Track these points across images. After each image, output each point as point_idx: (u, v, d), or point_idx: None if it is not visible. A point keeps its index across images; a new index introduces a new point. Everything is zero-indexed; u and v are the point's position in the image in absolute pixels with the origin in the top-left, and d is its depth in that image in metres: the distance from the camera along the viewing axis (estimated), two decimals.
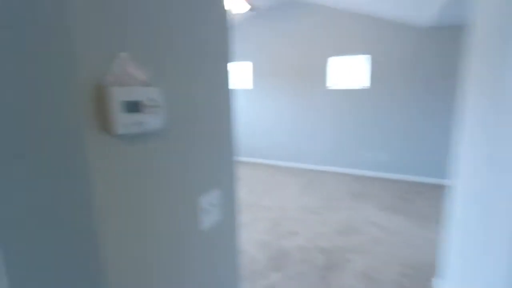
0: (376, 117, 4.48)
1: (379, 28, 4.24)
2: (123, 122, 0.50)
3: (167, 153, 0.64)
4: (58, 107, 0.45)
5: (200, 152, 0.76)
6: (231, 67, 0.87)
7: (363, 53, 4.40)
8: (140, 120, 0.54)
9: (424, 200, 3.63)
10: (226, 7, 0.81)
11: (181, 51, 0.65)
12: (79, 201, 0.48)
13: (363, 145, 4.64)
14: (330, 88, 4.71)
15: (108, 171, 0.50)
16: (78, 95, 0.45)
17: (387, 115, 4.41)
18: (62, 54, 0.43)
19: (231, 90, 0.88)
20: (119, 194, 0.53)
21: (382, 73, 4.33)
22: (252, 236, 2.75)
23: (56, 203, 0.49)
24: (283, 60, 4.98)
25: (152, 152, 0.60)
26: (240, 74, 5.49)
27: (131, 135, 0.54)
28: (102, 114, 0.48)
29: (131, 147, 0.55)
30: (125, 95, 0.51)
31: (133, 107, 0.52)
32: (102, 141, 0.49)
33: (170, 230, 0.67)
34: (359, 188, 4.10)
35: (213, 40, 0.78)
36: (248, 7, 2.89)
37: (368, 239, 2.70)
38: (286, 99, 5.08)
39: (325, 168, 4.98)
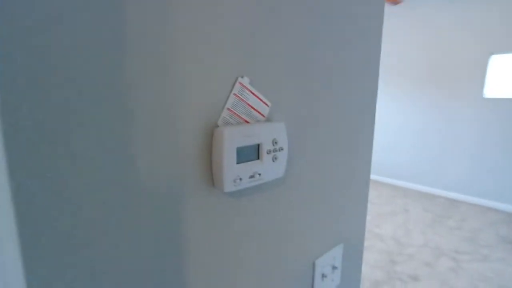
0: None
1: None
2: (237, 175, 0.36)
3: (282, 207, 0.48)
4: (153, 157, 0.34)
5: (325, 201, 0.57)
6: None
7: None
8: (259, 170, 0.39)
9: None
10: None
11: (312, 69, 0.48)
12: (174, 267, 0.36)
13: None
14: (487, 96, 3.62)
15: (210, 234, 0.38)
16: (179, 140, 0.33)
17: None
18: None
19: (374, 115, 0.65)
20: (220, 260, 0.40)
21: None
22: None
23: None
24: (418, 59, 4.18)
25: (265, 206, 0.45)
26: None
27: (244, 189, 0.40)
28: (209, 165, 0.36)
29: (240, 203, 0.41)
30: (241, 138, 0.36)
31: (251, 153, 0.38)
32: (206, 199, 0.36)
33: None
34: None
35: (358, 50, 0.56)
36: None
37: None
38: (420, 107, 4.25)
39: (463, 198, 3.90)
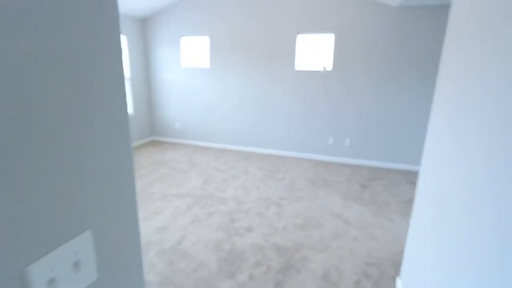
0: (340, 101, 4.32)
1: (346, 2, 3.97)
2: None
3: None
4: None
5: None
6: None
7: (328, 32, 4.14)
8: None
9: (388, 187, 3.60)
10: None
11: None
12: None
13: (327, 129, 4.49)
14: (297, 69, 4.41)
15: None
16: None
17: (351, 99, 4.27)
18: None
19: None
20: None
21: (345, 54, 4.12)
22: (204, 235, 2.46)
23: None
24: (245, 35, 4.54)
25: None
26: (196, 51, 4.95)
27: None
28: None
29: None
30: None
31: None
32: None
33: None
34: (322, 174, 3.97)
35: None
36: None
37: (329, 233, 2.55)
38: (247, 79, 4.70)
39: (288, 154, 4.79)
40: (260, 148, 4.95)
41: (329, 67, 4.26)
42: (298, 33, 4.26)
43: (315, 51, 4.34)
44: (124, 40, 4.74)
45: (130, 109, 5.08)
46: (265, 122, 4.80)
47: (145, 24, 5.09)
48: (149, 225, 2.60)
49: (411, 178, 3.95)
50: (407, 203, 3.18)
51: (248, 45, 4.55)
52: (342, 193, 3.39)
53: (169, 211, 2.87)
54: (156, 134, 5.64)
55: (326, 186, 3.59)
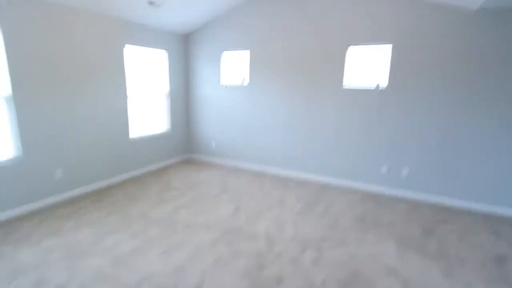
0: (397, 123, 3.66)
1: (407, 8, 3.39)
2: None
3: None
4: None
5: None
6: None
7: (385, 42, 3.57)
8: None
9: (462, 236, 2.83)
10: None
11: None
12: None
13: (380, 156, 3.84)
14: (345, 87, 3.89)
15: None
16: None
17: (410, 120, 3.59)
18: None
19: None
20: None
21: (405, 68, 3.50)
22: (226, 283, 2.06)
23: None
24: (288, 48, 4.19)
25: None
26: (236, 67, 4.74)
27: None
28: None
29: None
30: None
31: None
32: None
33: None
34: (373, 210, 3.33)
35: None
36: None
37: None
38: (289, 97, 4.30)
39: (332, 181, 4.22)
40: (300, 172, 4.46)
41: (384, 84, 3.66)
42: (349, 45, 3.77)
43: (367, 66, 3.79)
44: (165, 55, 4.73)
45: (167, 125, 5.02)
46: (307, 144, 4.32)
47: (187, 39, 5.06)
48: (165, 262, 2.29)
49: (495, 225, 3.09)
50: (495, 263, 2.40)
51: (291, 59, 4.18)
52: (399, 239, 2.73)
53: (191, 246, 2.54)
54: (193, 151, 5.50)
55: (378, 227, 2.95)
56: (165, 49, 4.68)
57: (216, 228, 2.85)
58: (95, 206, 3.30)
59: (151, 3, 3.57)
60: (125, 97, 4.08)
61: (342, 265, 2.31)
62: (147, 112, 4.60)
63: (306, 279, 2.13)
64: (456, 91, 3.30)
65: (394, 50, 3.53)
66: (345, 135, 4.00)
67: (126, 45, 3.99)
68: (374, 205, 3.50)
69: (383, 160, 3.82)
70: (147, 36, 4.30)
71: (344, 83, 3.89)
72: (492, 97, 3.15)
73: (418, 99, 3.50)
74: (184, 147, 5.42)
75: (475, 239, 2.78)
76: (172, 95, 4.97)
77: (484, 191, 3.34)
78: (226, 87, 4.81)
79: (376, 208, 3.43)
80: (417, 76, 3.46)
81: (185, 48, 5.09)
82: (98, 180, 3.85)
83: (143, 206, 3.33)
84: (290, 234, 2.78)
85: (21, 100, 2.93)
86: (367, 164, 3.94)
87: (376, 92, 3.70)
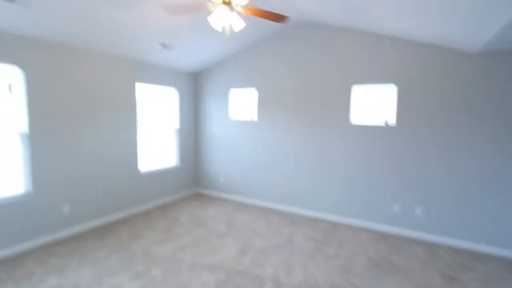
0: (407, 160, 3.59)
1: (409, 51, 3.49)
2: None
3: None
4: None
5: None
6: None
7: (389, 82, 3.63)
8: None
9: (489, 286, 2.61)
10: None
11: None
12: None
13: (391, 194, 3.72)
14: (353, 123, 3.91)
15: None
16: None
17: (421, 158, 3.51)
18: None
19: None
20: None
21: (412, 107, 3.51)
22: None
23: None
24: (294, 87, 4.30)
25: None
26: (243, 103, 4.86)
27: None
28: None
29: None
30: None
31: None
32: None
33: None
34: (386, 253, 3.15)
35: None
36: (243, 24, 2.28)
37: None
38: (297, 133, 4.33)
39: (343, 220, 4.06)
40: (309, 210, 4.33)
41: (392, 121, 3.66)
42: (353, 84, 3.86)
43: (375, 104, 3.83)
44: (175, 93, 4.92)
45: (176, 160, 5.07)
46: (316, 181, 4.24)
47: (196, 78, 5.29)
48: None
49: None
50: None
51: (298, 97, 4.28)
52: (418, 287, 2.53)
53: None
54: (200, 186, 5.47)
55: (394, 273, 2.76)
56: (175, 87, 4.89)
57: (221, 270, 2.72)
58: (99, 243, 3.24)
59: (164, 46, 3.80)
60: (135, 132, 4.19)
61: None
62: (156, 146, 4.69)
63: None
64: (461, 130, 3.26)
65: (398, 90, 3.58)
66: (354, 171, 3.93)
67: (137, 83, 4.19)
68: (387, 247, 3.32)
69: (394, 198, 3.69)
70: (158, 75, 4.52)
71: (351, 119, 3.91)
72: (500, 137, 3.09)
73: (426, 138, 3.46)
74: (191, 181, 5.41)
75: None
76: (181, 130, 5.08)
77: (509, 236, 3.14)
78: (234, 122, 4.90)
79: (390, 250, 3.24)
80: (423, 115, 3.45)
81: (194, 85, 5.31)
82: (104, 215, 3.82)
83: (148, 243, 3.25)
84: (299, 278, 2.63)
85: (36, 137, 3.05)
86: (378, 203, 3.80)
87: (385, 129, 3.69)
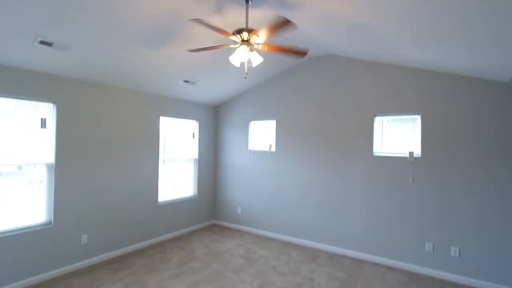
0: (436, 195, 3.36)
1: (433, 81, 3.41)
2: None
3: None
4: None
5: None
6: None
7: (412, 113, 3.53)
8: None
9: None
10: None
11: None
12: None
13: (422, 232, 3.44)
14: (376, 154, 3.78)
15: None
16: None
17: (453, 194, 3.27)
18: None
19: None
20: None
21: (437, 139, 3.35)
22: None
23: None
24: (314, 118, 4.28)
25: None
26: (263, 135, 4.88)
27: None
28: None
29: None
30: None
31: None
32: None
33: None
34: None
35: None
36: (261, 59, 2.35)
37: None
38: (317, 165, 4.23)
39: (368, 257, 3.77)
40: (331, 246, 4.08)
41: (417, 152, 3.50)
42: (375, 115, 3.78)
43: (399, 135, 3.71)
44: (195, 125, 5.04)
45: (193, 190, 5.05)
46: (338, 215, 4.04)
47: (217, 110, 5.43)
48: None
49: None
50: None
51: (318, 128, 4.24)
52: None
53: None
54: (218, 218, 5.37)
55: None
56: (196, 119, 5.02)
57: None
58: (114, 275, 3.17)
59: (186, 82, 3.98)
60: (157, 164, 4.26)
61: None
62: (176, 177, 4.72)
63: None
64: (492, 166, 3.04)
65: (423, 120, 3.46)
66: (380, 205, 3.72)
67: (161, 117, 4.34)
68: None
69: (425, 236, 3.41)
70: (180, 108, 4.68)
71: (374, 151, 3.78)
72: None
73: (453, 172, 3.24)
74: (209, 212, 5.33)
75: None
76: (200, 161, 5.12)
77: None
78: (253, 153, 4.89)
79: None
80: (450, 148, 3.27)
81: (215, 117, 5.43)
82: (121, 246, 3.79)
83: (163, 278, 3.14)
84: None
85: (60, 168, 3.16)
86: (406, 240, 3.52)
87: (410, 160, 3.51)
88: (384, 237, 3.68)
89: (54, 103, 3.12)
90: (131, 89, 3.91)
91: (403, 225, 3.55)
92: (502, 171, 3.03)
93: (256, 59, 2.34)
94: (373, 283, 3.17)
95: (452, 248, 3.25)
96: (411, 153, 3.50)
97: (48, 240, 3.04)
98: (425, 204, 3.42)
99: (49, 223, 3.08)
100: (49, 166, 3.10)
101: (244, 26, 2.41)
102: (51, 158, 3.11)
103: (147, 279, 3.11)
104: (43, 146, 3.07)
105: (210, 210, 5.35)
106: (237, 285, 3.03)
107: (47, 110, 3.11)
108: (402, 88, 3.61)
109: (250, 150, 4.96)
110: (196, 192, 5.04)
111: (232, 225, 5.14)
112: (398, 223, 3.58)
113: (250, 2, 2.25)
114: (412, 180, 3.48)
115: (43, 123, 3.07)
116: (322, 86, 4.23)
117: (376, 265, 3.65)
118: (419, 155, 3.47)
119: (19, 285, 2.82)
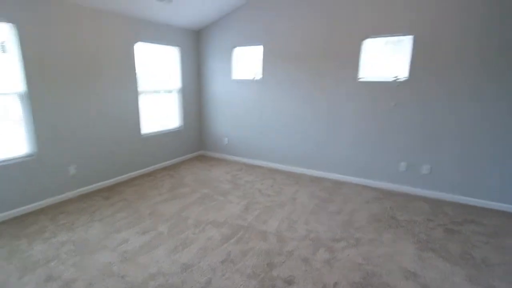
0: (420, 116, 3.46)
1: None
2: None
3: None
4: None
5: None
6: None
7: (405, 33, 3.37)
8: None
9: (490, 238, 2.63)
10: None
11: None
12: None
13: (398, 152, 3.65)
14: (361, 79, 3.72)
15: None
16: None
17: (434, 115, 3.37)
18: None
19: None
20: None
21: (428, 60, 3.28)
22: (233, 283, 1.99)
23: None
24: (302, 43, 4.05)
25: None
26: (248, 62, 4.64)
27: None
28: None
29: None
30: None
31: None
32: None
33: None
34: (390, 210, 3.16)
35: None
36: None
37: None
38: (303, 91, 4.17)
39: (347, 179, 4.06)
40: (313, 170, 4.33)
41: (403, 76, 3.46)
42: (366, 37, 3.59)
43: (385, 57, 3.60)
44: (176, 52, 4.71)
45: (179, 122, 5.01)
46: (320, 140, 4.17)
47: (199, 35, 5.02)
48: (173, 260, 2.25)
49: None
50: None
51: (305, 54, 4.04)
52: (419, 240, 2.57)
53: (199, 243, 2.49)
54: (205, 148, 5.48)
55: (395, 227, 2.79)
56: (177, 45, 4.65)
57: (226, 226, 2.79)
58: (106, 202, 3.33)
59: (160, 0, 3.53)
60: (136, 93, 4.08)
61: (356, 267, 2.19)
62: (159, 108, 4.61)
63: (317, 281, 2.03)
64: (479, 83, 3.06)
65: (415, 41, 3.31)
66: (361, 130, 3.83)
67: (138, 43, 3.99)
68: (391, 204, 3.33)
69: (401, 156, 3.63)
70: (159, 33, 4.28)
71: (360, 76, 3.71)
72: None
73: (439, 93, 3.27)
74: (196, 143, 5.41)
75: (505, 242, 2.57)
76: (184, 91, 4.95)
77: None
78: (238, 81, 4.73)
79: (394, 207, 3.26)
80: (439, 69, 3.23)
81: (196, 44, 5.05)
82: (110, 177, 3.89)
83: (155, 202, 3.32)
84: (302, 233, 2.68)
85: (35, 97, 2.98)
86: (384, 161, 3.75)
87: (394, 85, 3.50)
88: (363, 160, 3.90)
89: (14, 23, 2.75)
90: (102, 9, 3.46)
91: (382, 149, 3.73)
92: (488, 88, 3.08)
93: None
94: (350, 198, 3.47)
95: (424, 166, 3.51)
96: (395, 77, 3.46)
97: (32, 172, 3.05)
98: (405, 127, 3.54)
99: (31, 155, 3.05)
100: (21, 95, 2.91)
101: None
102: (22, 86, 2.90)
103: (139, 204, 3.28)
104: (11, 75, 2.83)
105: (197, 141, 5.41)
106: (226, 205, 3.26)
107: (7, 32, 2.76)
108: (395, 7, 3.35)
109: (234, 79, 4.78)
110: (182, 123, 5.01)
111: (219, 155, 5.29)
112: (378, 147, 3.76)
113: None
114: (395, 104, 3.53)
115: (2, 48, 2.77)
116: (310, 8, 3.87)
117: (354, 184, 3.96)
118: (405, 78, 3.43)
119: (1, 216, 2.92)
